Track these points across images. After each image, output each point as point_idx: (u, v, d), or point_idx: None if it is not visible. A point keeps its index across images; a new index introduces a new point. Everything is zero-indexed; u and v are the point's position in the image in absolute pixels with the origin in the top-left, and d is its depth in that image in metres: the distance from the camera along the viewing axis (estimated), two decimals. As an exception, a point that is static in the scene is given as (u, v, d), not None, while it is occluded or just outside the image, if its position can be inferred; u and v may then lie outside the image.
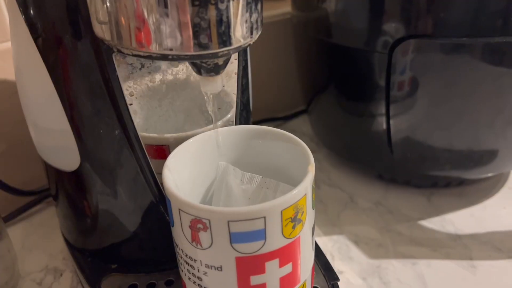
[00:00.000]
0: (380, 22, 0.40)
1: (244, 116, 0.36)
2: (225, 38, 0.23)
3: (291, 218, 0.26)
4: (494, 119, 0.42)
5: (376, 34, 0.41)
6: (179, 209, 0.26)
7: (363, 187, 0.51)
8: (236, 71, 0.33)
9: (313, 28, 0.48)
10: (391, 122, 0.43)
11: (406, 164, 0.46)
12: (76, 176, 0.34)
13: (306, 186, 0.27)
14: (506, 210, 0.47)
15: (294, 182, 0.29)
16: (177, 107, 0.35)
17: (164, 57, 0.24)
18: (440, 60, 0.39)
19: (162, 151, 0.33)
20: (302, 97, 0.58)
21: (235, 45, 0.24)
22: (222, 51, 0.24)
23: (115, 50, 0.25)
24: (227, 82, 0.34)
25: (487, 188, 0.50)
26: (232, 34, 0.23)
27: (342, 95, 0.48)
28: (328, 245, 0.44)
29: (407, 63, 0.40)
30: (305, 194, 0.27)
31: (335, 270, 0.39)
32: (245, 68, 0.34)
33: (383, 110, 0.43)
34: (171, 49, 0.23)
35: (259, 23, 0.25)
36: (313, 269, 0.32)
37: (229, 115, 0.34)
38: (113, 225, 0.36)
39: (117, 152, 0.31)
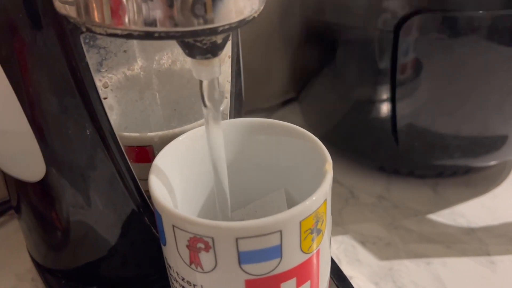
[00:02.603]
0: (384, -4, 0.36)
1: (237, 107, 0.31)
2: (225, 9, 0.18)
3: (310, 229, 0.22)
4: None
5: (379, 10, 0.36)
6: (173, 226, 0.21)
7: (364, 180, 0.47)
8: (230, 54, 0.28)
9: (304, 7, 0.43)
10: (397, 108, 0.39)
11: (412, 153, 0.42)
12: (42, 187, 0.28)
13: (325, 189, 0.22)
14: (517, 198, 0.44)
15: (305, 185, 0.24)
16: (161, 99, 0.29)
17: (148, 35, 0.18)
18: (451, 37, 0.35)
19: (145, 153, 0.27)
20: (291, 84, 0.54)
21: (237, 18, 0.19)
22: (223, 25, 0.19)
23: (84, 29, 0.20)
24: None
25: (493, 176, 0.47)
26: (234, 3, 0.18)
27: (338, 80, 0.44)
28: (333, 247, 0.39)
29: (415, 42, 0.36)
30: (325, 199, 0.22)
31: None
32: (237, 51, 0.29)
33: (387, 95, 0.39)
34: (157, 25, 0.18)
35: (264, -9, 0.20)
36: (330, 283, 0.27)
37: (222, 107, 0.29)
38: (89, 240, 0.30)
39: (91, 156, 0.26)
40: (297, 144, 0.26)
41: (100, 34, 0.19)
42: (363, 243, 0.40)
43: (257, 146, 0.27)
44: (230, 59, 0.28)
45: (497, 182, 0.46)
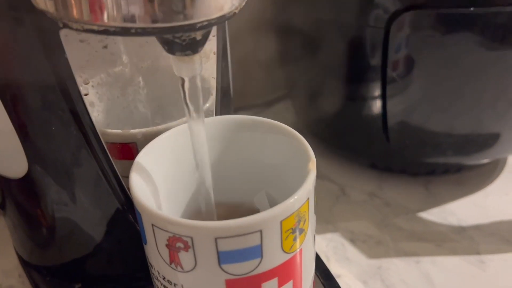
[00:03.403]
0: (375, -8, 0.35)
1: (225, 103, 0.30)
2: (204, 5, 0.18)
3: (292, 229, 0.21)
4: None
5: (370, 6, 0.36)
6: (152, 225, 0.21)
7: (355, 178, 0.46)
8: (215, 50, 0.27)
9: (296, 2, 0.42)
10: (388, 105, 0.39)
11: (403, 151, 0.42)
12: (25, 184, 0.28)
13: (308, 188, 0.22)
14: (509, 197, 0.43)
15: (289, 183, 0.24)
16: (145, 96, 0.29)
17: (125, 31, 0.18)
18: (443, 34, 0.35)
19: (129, 150, 0.27)
20: (283, 79, 0.53)
21: (217, 14, 0.19)
22: (201, 21, 0.18)
23: (61, 25, 0.19)
24: (204, 64, 0.29)
25: (486, 174, 0.46)
26: (214, 0, 0.18)
27: (330, 76, 0.43)
28: (322, 244, 0.39)
29: (406, 38, 0.35)
30: (308, 198, 0.22)
31: (332, 273, 0.34)
32: (224, 47, 0.29)
33: (378, 92, 0.39)
34: (134, 21, 0.18)
35: (246, -14, 0.20)
36: (314, 282, 0.27)
37: (208, 104, 0.29)
38: (74, 237, 0.30)
39: (73, 153, 0.25)
40: (281, 141, 0.26)
41: (77, 30, 0.19)
42: (353, 241, 0.39)
43: (241, 144, 0.27)
44: (215, 55, 0.28)
45: (489, 180, 0.46)
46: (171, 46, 0.20)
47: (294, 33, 0.45)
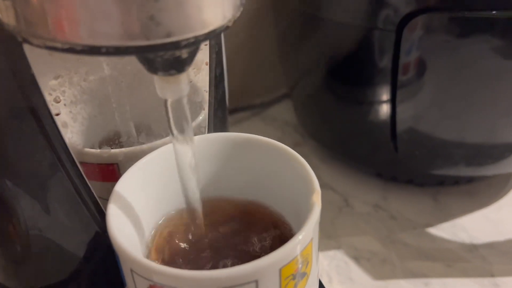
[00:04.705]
0: (386, -8, 0.32)
1: (220, 116, 0.27)
2: (191, 18, 0.15)
3: (292, 275, 0.19)
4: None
5: (380, 8, 0.33)
6: (131, 270, 0.18)
7: (359, 187, 0.44)
8: (208, 60, 0.24)
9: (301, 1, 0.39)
10: (397, 111, 0.36)
11: (412, 161, 0.39)
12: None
13: (311, 227, 0.19)
14: (524, 210, 0.41)
15: (291, 213, 0.21)
16: (126, 113, 0.26)
17: (94, 50, 0.15)
18: (458, 38, 0.32)
19: (110, 172, 0.24)
20: (284, 78, 0.50)
21: (205, 29, 0.15)
22: (187, 39, 0.15)
23: (20, 39, 0.16)
24: (195, 76, 0.25)
25: (499, 184, 0.43)
26: (202, 12, 0.15)
27: (333, 78, 0.40)
28: (324, 263, 0.36)
29: (419, 42, 0.32)
30: (312, 238, 0.19)
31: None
32: (218, 55, 0.26)
33: (387, 97, 0.36)
34: (104, 38, 0.15)
35: (241, -5, 0.17)
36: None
37: (200, 118, 0.26)
38: (53, 260, 0.27)
39: (47, 177, 0.23)
40: (281, 163, 0.23)
41: (38, 46, 0.16)
42: (356, 259, 0.37)
43: (237, 164, 0.24)
44: (208, 66, 0.24)
45: (503, 191, 0.43)
46: (152, 65, 0.17)
47: (298, 31, 0.42)
